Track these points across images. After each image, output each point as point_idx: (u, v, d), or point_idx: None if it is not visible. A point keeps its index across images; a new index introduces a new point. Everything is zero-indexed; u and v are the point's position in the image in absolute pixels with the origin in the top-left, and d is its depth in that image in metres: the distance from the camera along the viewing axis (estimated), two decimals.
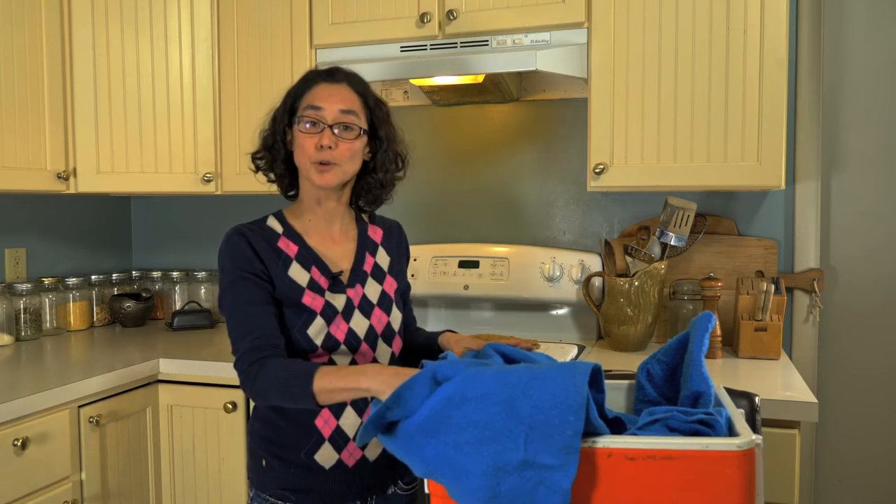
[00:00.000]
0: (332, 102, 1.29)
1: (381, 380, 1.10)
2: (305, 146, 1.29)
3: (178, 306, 2.56)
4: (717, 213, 2.13)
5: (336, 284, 1.32)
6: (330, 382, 1.15)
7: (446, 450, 0.89)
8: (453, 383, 0.93)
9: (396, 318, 1.39)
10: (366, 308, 1.34)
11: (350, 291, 1.33)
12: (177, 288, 2.58)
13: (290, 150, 1.34)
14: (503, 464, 0.85)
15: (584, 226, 2.26)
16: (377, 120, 1.35)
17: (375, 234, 1.44)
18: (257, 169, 1.40)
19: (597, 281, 2.10)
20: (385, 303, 1.37)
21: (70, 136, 2.07)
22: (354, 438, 1.30)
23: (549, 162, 2.28)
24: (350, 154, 1.30)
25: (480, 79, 1.98)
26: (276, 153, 1.35)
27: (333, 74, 1.33)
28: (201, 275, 2.56)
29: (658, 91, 1.82)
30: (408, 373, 1.06)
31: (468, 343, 1.32)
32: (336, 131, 1.28)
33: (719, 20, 1.76)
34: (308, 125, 1.28)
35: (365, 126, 1.33)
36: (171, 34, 2.16)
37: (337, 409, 1.29)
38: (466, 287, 2.20)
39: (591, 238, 2.26)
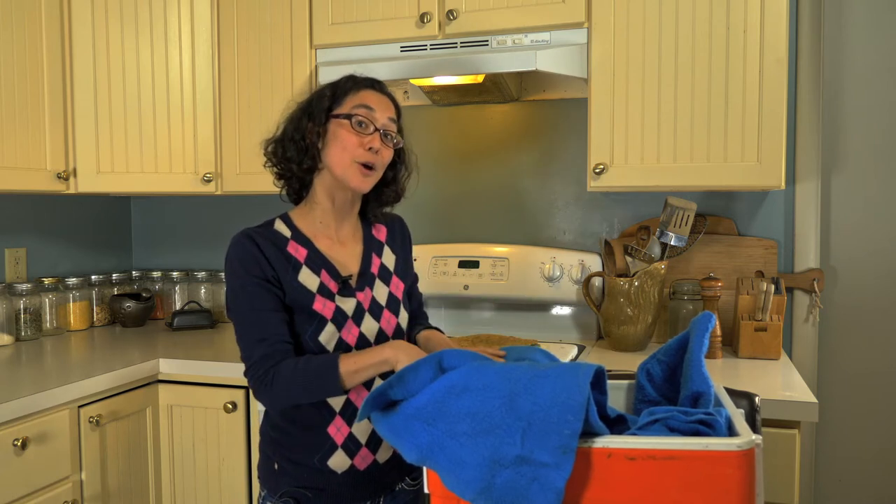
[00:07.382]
0: (382, 109, 1.31)
1: (402, 350, 1.18)
2: (350, 144, 1.27)
3: (178, 306, 2.57)
4: (717, 213, 2.13)
5: (345, 288, 1.33)
6: (355, 363, 1.20)
7: (442, 438, 0.90)
8: (458, 372, 0.94)
9: (404, 318, 1.41)
10: (375, 311, 1.35)
11: (360, 295, 1.34)
12: (177, 288, 2.58)
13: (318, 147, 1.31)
14: (499, 457, 0.85)
15: (584, 226, 2.26)
16: (403, 138, 1.39)
17: (380, 233, 1.45)
18: (277, 160, 1.35)
19: (597, 281, 2.10)
20: (393, 304, 1.38)
21: (70, 136, 2.07)
22: (367, 443, 1.31)
23: (549, 162, 2.28)
24: (387, 162, 1.33)
25: (480, 79, 1.98)
26: (310, 146, 1.30)
27: (377, 85, 1.35)
28: (201, 275, 2.56)
29: (658, 91, 1.82)
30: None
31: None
32: (383, 134, 1.30)
33: (719, 20, 1.76)
34: (360, 124, 1.28)
35: (402, 140, 1.36)
36: (171, 34, 2.16)
37: (349, 417, 1.30)
38: (466, 287, 2.20)
39: (591, 238, 2.25)
